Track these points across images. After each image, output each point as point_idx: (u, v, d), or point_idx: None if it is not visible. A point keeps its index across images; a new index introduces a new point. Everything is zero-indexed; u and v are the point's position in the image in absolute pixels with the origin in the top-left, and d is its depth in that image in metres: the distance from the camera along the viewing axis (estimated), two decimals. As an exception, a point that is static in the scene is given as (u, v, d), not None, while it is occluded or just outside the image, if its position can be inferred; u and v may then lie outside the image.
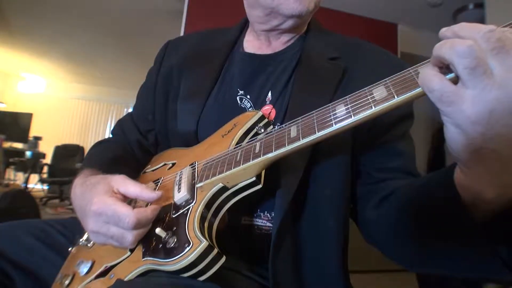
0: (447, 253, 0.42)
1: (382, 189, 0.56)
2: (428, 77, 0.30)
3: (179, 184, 0.51)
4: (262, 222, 0.58)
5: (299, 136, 0.42)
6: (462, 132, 0.30)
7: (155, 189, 0.59)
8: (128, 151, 0.75)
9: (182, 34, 2.45)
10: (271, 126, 0.56)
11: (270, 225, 0.58)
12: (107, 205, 0.45)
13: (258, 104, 0.63)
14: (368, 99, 0.38)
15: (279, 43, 0.68)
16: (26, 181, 4.48)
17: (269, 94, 0.63)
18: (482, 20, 2.47)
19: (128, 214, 0.44)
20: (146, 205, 0.52)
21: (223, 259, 0.40)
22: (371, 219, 0.56)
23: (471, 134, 0.29)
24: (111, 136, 0.83)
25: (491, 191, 0.33)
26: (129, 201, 0.51)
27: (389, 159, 0.59)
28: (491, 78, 0.28)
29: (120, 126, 0.80)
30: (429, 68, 0.31)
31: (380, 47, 0.67)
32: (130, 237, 0.45)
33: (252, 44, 0.71)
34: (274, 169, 0.50)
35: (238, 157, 0.48)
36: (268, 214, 0.58)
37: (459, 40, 0.29)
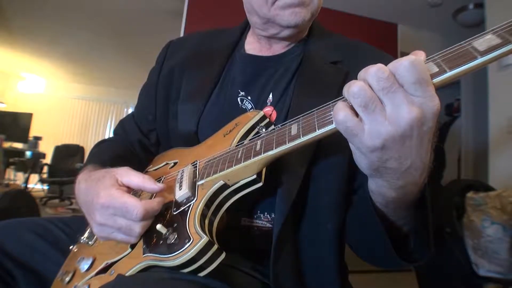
0: (381, 252, 0.50)
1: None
2: (337, 109, 0.35)
3: (181, 182, 0.51)
4: (262, 223, 0.58)
5: (299, 134, 0.42)
6: (364, 156, 0.37)
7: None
8: (130, 150, 0.75)
9: (182, 34, 2.44)
10: (272, 126, 0.56)
11: (270, 225, 0.58)
12: (114, 198, 0.46)
13: (259, 105, 0.63)
14: None
15: (279, 47, 0.68)
16: (26, 181, 4.48)
17: (270, 95, 0.63)
18: (482, 20, 2.47)
19: (136, 205, 0.44)
20: (151, 197, 0.52)
21: (223, 255, 0.41)
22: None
23: (370, 158, 0.36)
24: (112, 135, 0.83)
25: (391, 192, 0.41)
26: (134, 193, 0.52)
27: None
28: (384, 114, 0.32)
29: (122, 126, 0.81)
30: (341, 102, 0.36)
31: (381, 50, 0.68)
32: (137, 228, 0.45)
33: (253, 46, 0.71)
34: (274, 171, 0.51)
35: (239, 155, 0.48)
36: (268, 215, 0.58)
37: (353, 82, 0.34)
